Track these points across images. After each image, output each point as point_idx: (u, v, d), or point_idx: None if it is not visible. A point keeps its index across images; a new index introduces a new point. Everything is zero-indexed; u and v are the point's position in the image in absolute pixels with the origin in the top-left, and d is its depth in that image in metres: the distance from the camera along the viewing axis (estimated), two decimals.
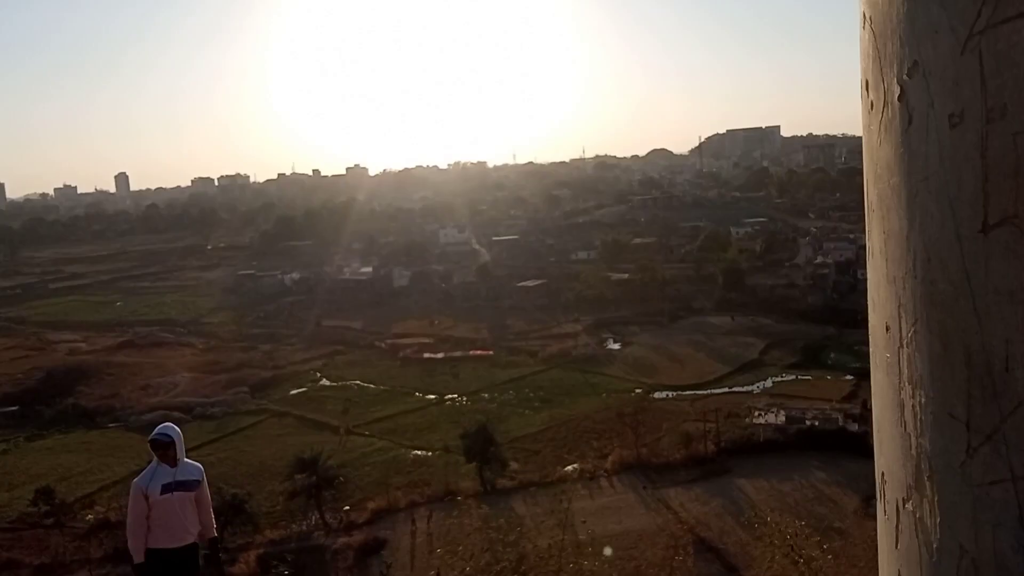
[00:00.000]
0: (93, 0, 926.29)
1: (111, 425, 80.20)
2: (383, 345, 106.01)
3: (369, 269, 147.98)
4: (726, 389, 78.98)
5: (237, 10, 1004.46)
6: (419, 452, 67.61)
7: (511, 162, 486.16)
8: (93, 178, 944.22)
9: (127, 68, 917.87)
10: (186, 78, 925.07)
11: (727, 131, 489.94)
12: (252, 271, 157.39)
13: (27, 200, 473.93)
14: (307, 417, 78.99)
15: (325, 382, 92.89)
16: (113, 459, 69.42)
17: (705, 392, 77.82)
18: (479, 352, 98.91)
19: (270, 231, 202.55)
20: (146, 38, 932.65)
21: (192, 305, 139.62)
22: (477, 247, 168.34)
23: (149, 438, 8.65)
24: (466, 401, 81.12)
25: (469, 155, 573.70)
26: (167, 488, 8.34)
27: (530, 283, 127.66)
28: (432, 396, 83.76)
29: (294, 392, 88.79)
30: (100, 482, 63.95)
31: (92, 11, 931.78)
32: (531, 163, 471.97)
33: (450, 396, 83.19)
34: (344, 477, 57.99)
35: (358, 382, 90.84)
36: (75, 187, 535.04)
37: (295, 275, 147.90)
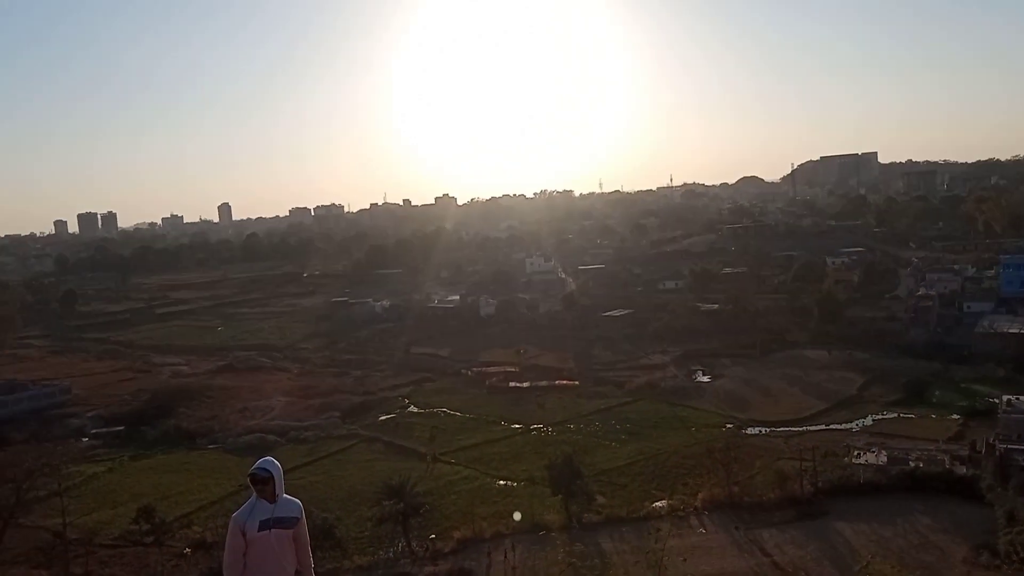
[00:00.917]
0: (201, 43, 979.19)
1: (210, 446, 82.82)
2: (470, 373, 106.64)
3: (456, 297, 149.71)
4: (823, 426, 75.87)
5: (331, 48, 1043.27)
6: (504, 482, 67.31)
7: (597, 191, 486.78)
8: (198, 208, 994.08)
9: (231, 105, 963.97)
10: (284, 113, 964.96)
11: (821, 158, 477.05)
12: (345, 298, 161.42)
13: (136, 229, 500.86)
14: (395, 443, 79.78)
15: (413, 409, 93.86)
16: (211, 480, 71.65)
17: (800, 429, 74.93)
18: (565, 382, 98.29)
19: (362, 260, 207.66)
20: (250, 77, 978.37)
21: (288, 331, 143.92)
22: (563, 276, 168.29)
23: (248, 472, 8.39)
24: (552, 431, 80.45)
25: (556, 184, 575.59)
26: (265, 525, 8.11)
27: (616, 313, 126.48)
28: (518, 425, 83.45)
29: (383, 418, 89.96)
30: (198, 502, 65.94)
31: (198, 52, 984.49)
32: (617, 191, 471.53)
33: (536, 426, 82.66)
34: (430, 505, 58.24)
35: (445, 410, 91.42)
36: (181, 216, 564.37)
37: (385, 303, 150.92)
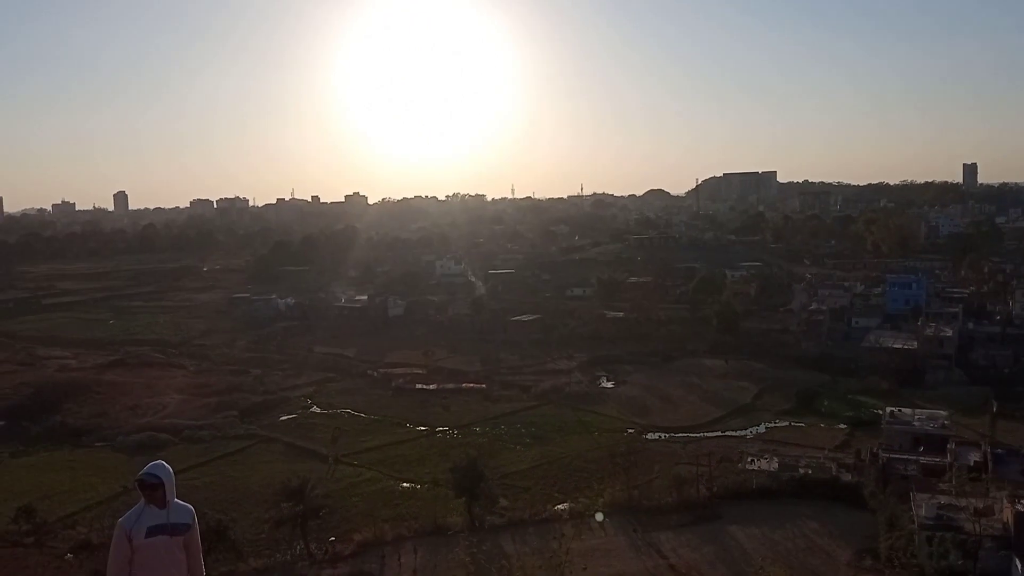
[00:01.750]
0: (100, 20, 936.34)
1: (97, 444, 79.17)
2: (375, 374, 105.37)
3: (364, 297, 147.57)
4: (719, 433, 78.46)
5: (241, 36, 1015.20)
6: (408, 484, 66.86)
7: (510, 196, 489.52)
8: (92, 195, 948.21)
9: (132, 87, 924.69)
10: (190, 100, 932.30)
11: (724, 175, 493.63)
12: (247, 295, 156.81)
13: (24, 215, 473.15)
14: (296, 444, 78.14)
15: (315, 409, 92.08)
16: (98, 479, 68.49)
17: (698, 435, 77.36)
18: (471, 385, 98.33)
19: (266, 255, 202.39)
20: (152, 59, 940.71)
21: (185, 326, 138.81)
22: (473, 279, 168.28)
23: (136, 477, 8.03)
24: (457, 434, 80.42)
25: (468, 188, 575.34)
26: (154, 531, 7.78)
27: (525, 318, 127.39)
28: (423, 428, 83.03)
29: (284, 418, 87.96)
30: (84, 502, 62.97)
31: (99, 31, 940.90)
32: (530, 198, 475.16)
33: (441, 428, 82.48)
34: (330, 507, 57.24)
35: (349, 410, 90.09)
36: (73, 204, 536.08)
37: (290, 300, 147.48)
